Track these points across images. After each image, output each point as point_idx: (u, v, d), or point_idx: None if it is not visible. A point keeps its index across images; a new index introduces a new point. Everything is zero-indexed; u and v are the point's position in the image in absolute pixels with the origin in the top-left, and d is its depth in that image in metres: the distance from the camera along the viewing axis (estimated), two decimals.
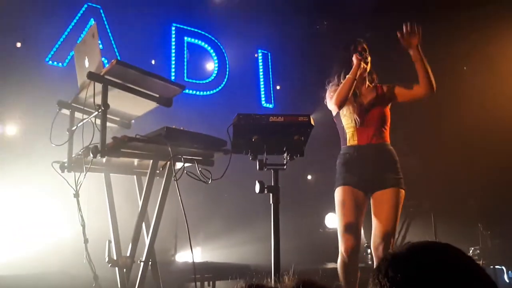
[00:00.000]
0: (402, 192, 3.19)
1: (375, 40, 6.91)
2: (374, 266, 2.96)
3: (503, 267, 5.47)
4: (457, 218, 5.92)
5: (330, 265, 5.14)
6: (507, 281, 5.46)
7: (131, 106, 2.74)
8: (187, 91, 6.21)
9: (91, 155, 2.35)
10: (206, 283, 4.94)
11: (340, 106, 3.23)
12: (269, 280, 2.28)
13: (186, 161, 2.49)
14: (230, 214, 6.11)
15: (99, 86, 2.41)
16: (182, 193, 2.60)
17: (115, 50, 5.55)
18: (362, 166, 3.19)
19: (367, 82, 3.40)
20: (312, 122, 2.49)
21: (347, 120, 3.29)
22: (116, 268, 2.64)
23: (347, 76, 3.22)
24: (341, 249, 3.12)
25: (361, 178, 3.18)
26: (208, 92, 6.48)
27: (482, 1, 5.89)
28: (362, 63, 3.23)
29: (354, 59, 3.26)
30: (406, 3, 6.28)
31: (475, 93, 6.36)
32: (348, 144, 3.27)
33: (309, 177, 7.53)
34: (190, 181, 2.52)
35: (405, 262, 1.01)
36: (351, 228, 3.11)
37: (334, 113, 3.42)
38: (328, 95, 3.39)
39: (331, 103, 3.31)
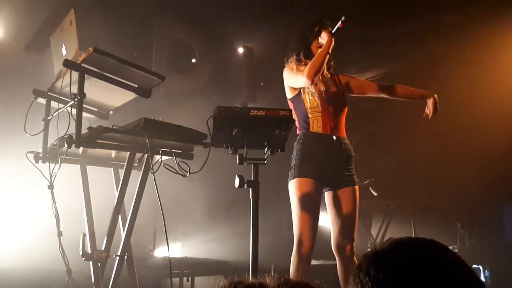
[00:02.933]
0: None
1: (356, 41, 6.95)
2: (338, 266, 2.95)
3: (480, 266, 5.53)
4: (436, 217, 5.97)
5: (311, 262, 5.13)
6: (484, 280, 5.52)
7: (109, 96, 2.68)
8: (167, 83, 6.13)
9: (66, 145, 2.28)
10: (185, 278, 4.89)
11: (313, 79, 2.93)
12: (247, 276, 2.26)
13: (164, 153, 2.44)
14: (211, 209, 6.06)
15: (76, 75, 2.35)
16: (162, 186, 2.55)
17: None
18: (327, 159, 2.97)
19: (325, 70, 3.16)
20: (294, 117, 2.46)
21: (312, 102, 3.03)
22: (91, 262, 2.57)
23: (319, 50, 3.02)
24: (301, 250, 2.85)
25: (323, 171, 2.95)
26: (189, 86, 6.40)
27: (459, 5, 5.93)
28: (333, 39, 3.03)
29: (324, 34, 3.07)
30: (391, 3, 6.30)
31: (454, 94, 6.41)
32: (311, 130, 3.01)
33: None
34: (171, 175, 2.47)
35: (387, 260, 0.97)
36: (314, 227, 2.90)
37: (293, 94, 3.13)
38: (288, 71, 3.13)
39: (301, 77, 2.97)
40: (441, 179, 6.08)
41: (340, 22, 3.02)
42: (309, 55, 3.12)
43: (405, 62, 6.37)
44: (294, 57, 3.17)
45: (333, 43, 3.05)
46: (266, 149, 2.51)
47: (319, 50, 3.04)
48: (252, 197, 2.43)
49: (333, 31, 3.05)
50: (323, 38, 3.08)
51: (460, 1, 5.96)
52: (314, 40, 3.14)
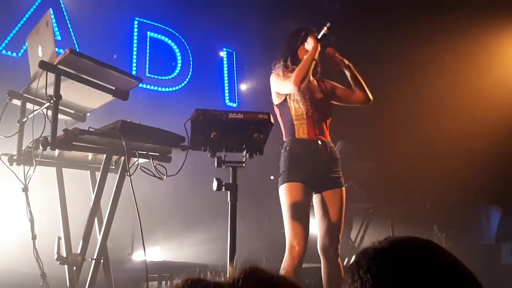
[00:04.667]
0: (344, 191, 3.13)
1: (340, 45, 7.02)
2: (323, 267, 2.97)
3: None
4: (413, 220, 6.04)
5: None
6: None
7: (86, 98, 2.65)
8: (148, 86, 6.09)
9: (41, 147, 2.25)
10: (163, 282, 4.85)
11: (300, 86, 2.98)
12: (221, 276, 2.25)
13: (141, 156, 2.42)
14: (191, 213, 6.04)
15: (52, 77, 2.31)
16: (141, 189, 2.53)
17: (75, 43, 5.38)
18: (313, 163, 3.02)
19: (311, 76, 3.19)
20: (272, 120, 2.47)
21: (297, 109, 3.07)
22: (66, 266, 2.54)
23: (305, 57, 3.06)
24: (293, 253, 2.88)
25: (311, 175, 3.00)
26: (170, 89, 6.37)
27: (439, 12, 6.04)
28: (319, 45, 3.09)
29: (310, 40, 3.11)
30: (370, 9, 6.38)
31: (433, 99, 6.52)
32: (297, 137, 3.06)
33: (272, 177, 7.53)
34: (150, 178, 2.46)
35: (388, 257, 0.97)
36: (305, 230, 2.93)
37: (279, 101, 3.16)
38: (275, 78, 3.15)
39: (288, 84, 3.01)
40: (419, 183, 6.16)
41: (325, 28, 3.09)
42: (296, 61, 3.16)
43: (386, 67, 6.44)
44: (281, 63, 3.20)
45: (319, 48, 3.09)
46: (244, 152, 2.52)
47: (305, 56, 3.08)
48: (230, 200, 2.44)
49: (318, 37, 3.10)
50: (309, 43, 3.13)
51: (440, 8, 6.08)
52: (300, 45, 3.18)
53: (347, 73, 3.24)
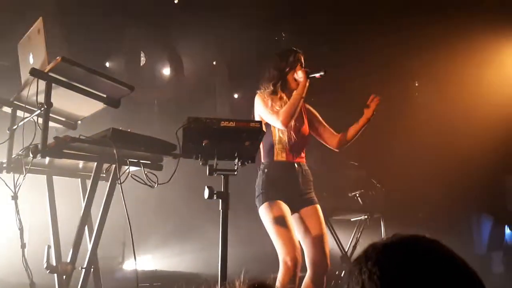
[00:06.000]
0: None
1: (332, 53, 7.06)
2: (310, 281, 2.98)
3: None
4: (406, 229, 6.04)
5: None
6: None
7: (77, 106, 2.64)
8: (141, 95, 6.08)
9: (31, 155, 2.24)
10: None
11: (288, 125, 3.10)
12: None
13: (132, 164, 2.41)
14: (183, 221, 6.01)
15: (43, 84, 2.31)
16: (133, 198, 2.51)
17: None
18: (290, 185, 3.14)
19: None
20: (264, 129, 2.48)
21: (280, 138, 3.16)
22: (55, 275, 2.51)
23: (294, 95, 3.13)
24: (287, 267, 2.90)
25: (288, 195, 3.10)
26: (163, 98, 6.37)
27: (431, 22, 6.09)
28: (307, 82, 3.14)
29: (301, 75, 3.16)
30: (362, 18, 6.42)
31: (425, 108, 6.57)
32: (275, 159, 3.16)
33: None
34: (142, 187, 2.44)
35: (397, 251, 0.98)
36: (294, 242, 2.97)
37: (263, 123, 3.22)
38: (261, 103, 3.19)
39: (276, 120, 3.10)
40: (411, 192, 6.18)
41: (319, 74, 3.13)
42: (285, 88, 3.23)
43: (380, 72, 6.48)
44: (270, 87, 3.23)
45: (307, 85, 3.13)
46: (236, 160, 2.52)
47: (294, 93, 3.13)
48: (221, 209, 2.43)
49: (310, 75, 3.14)
50: (299, 76, 3.17)
51: (432, 12, 6.12)
52: (290, 71, 3.22)
53: (360, 123, 3.31)
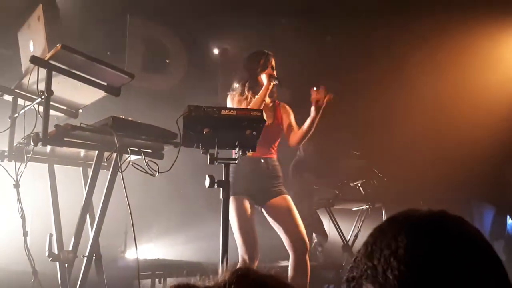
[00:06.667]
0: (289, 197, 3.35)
1: (335, 42, 7.03)
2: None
3: None
4: None
5: (283, 263, 5.15)
6: None
7: (78, 94, 2.63)
8: (141, 83, 6.06)
9: (32, 143, 2.24)
10: (157, 280, 4.84)
11: None
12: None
13: (133, 153, 2.41)
14: (185, 210, 6.02)
15: (43, 72, 2.30)
16: (135, 186, 2.50)
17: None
18: (256, 179, 3.27)
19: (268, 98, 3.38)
20: (265, 117, 2.47)
21: None
22: (57, 263, 2.52)
23: (256, 97, 3.23)
24: (245, 256, 3.13)
25: (253, 189, 3.25)
26: (164, 86, 6.35)
27: (435, 9, 6.05)
28: (272, 83, 3.27)
29: (265, 78, 3.28)
30: (365, 8, 6.38)
31: (428, 98, 6.54)
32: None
33: None
34: (144, 175, 2.44)
35: (430, 229, 0.89)
36: (252, 240, 3.16)
37: None
38: (229, 101, 3.33)
39: None
40: (413, 181, 6.17)
41: (276, 82, 3.29)
42: (254, 87, 3.34)
43: (377, 66, 6.45)
44: (239, 88, 3.37)
45: (271, 87, 3.28)
46: (237, 149, 2.52)
47: (257, 96, 3.25)
48: (222, 197, 2.44)
49: (273, 79, 3.28)
50: (263, 78, 3.30)
51: (433, 6, 6.09)
52: (260, 72, 3.34)
53: (312, 115, 3.28)
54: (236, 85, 3.41)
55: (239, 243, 3.15)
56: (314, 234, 6.12)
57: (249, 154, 3.07)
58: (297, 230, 3.23)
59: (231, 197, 2.99)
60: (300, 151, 6.08)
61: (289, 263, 3.26)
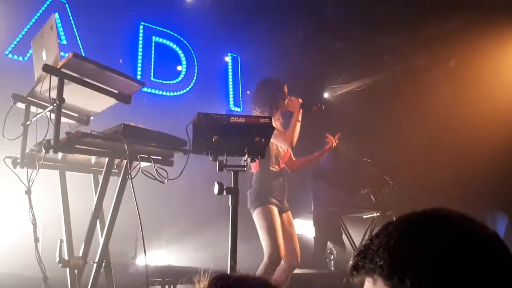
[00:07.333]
0: None
1: (344, 49, 7.03)
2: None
3: None
4: None
5: (296, 271, 5.13)
6: None
7: (90, 102, 2.66)
8: (153, 91, 6.11)
9: (44, 150, 2.26)
10: (167, 286, 4.84)
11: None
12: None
13: (143, 159, 2.43)
14: (196, 216, 6.02)
15: (55, 80, 2.33)
16: (146, 193, 2.51)
17: (80, 47, 5.41)
18: (279, 191, 3.77)
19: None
20: (274, 125, 2.48)
21: (278, 152, 3.78)
22: (67, 269, 2.54)
23: (298, 122, 3.76)
24: (275, 263, 3.53)
25: (280, 201, 3.75)
26: (175, 93, 6.39)
27: (444, 14, 6.03)
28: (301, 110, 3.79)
29: (296, 104, 3.79)
30: (372, 14, 6.38)
31: (438, 103, 6.50)
32: (272, 169, 3.74)
33: None
34: (155, 182, 2.46)
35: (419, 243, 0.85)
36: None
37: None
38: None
39: (284, 142, 3.75)
40: (424, 188, 6.13)
41: (315, 106, 3.89)
42: (278, 109, 3.87)
43: (388, 73, 6.44)
44: (272, 110, 3.81)
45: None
46: (246, 156, 2.52)
47: (296, 122, 3.76)
48: (231, 204, 2.44)
49: (304, 105, 3.81)
50: (293, 107, 3.81)
51: (443, 14, 6.07)
52: (284, 99, 3.85)
53: (297, 116, 3.79)
54: (263, 107, 3.83)
55: (271, 246, 3.52)
56: (328, 243, 6.11)
57: (274, 169, 3.74)
58: (295, 247, 3.74)
59: (270, 206, 3.63)
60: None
61: (279, 270, 3.63)
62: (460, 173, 5.96)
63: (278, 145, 3.78)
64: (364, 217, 6.21)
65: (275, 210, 3.64)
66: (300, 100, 3.83)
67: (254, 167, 3.73)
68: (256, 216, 3.62)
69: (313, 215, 6.42)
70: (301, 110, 3.79)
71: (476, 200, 6.16)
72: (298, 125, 3.76)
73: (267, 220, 3.57)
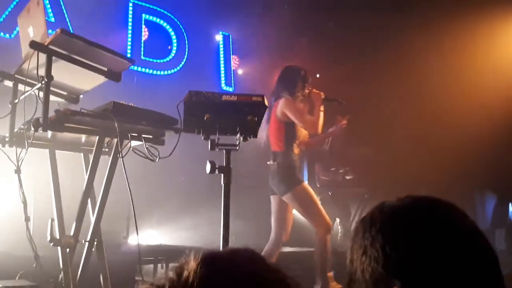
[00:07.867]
0: None
1: (337, 31, 6.97)
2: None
3: None
4: None
5: (286, 249, 5.16)
6: None
7: (79, 80, 2.62)
8: (143, 69, 6.04)
9: (32, 129, 2.23)
10: (159, 265, 4.87)
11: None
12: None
13: (133, 138, 2.40)
14: (187, 196, 6.02)
15: (43, 57, 2.28)
16: (137, 172, 2.49)
17: (69, 25, 5.31)
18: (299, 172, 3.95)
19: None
20: (266, 103, 2.45)
21: (303, 134, 3.89)
22: (59, 248, 2.53)
23: (321, 111, 3.87)
24: (329, 228, 3.75)
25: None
26: (165, 72, 6.32)
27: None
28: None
29: (318, 96, 3.89)
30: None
31: (431, 86, 6.50)
32: (295, 152, 3.83)
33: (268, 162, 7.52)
34: (146, 161, 2.44)
35: (407, 219, 0.90)
36: None
37: (289, 120, 3.78)
38: (293, 109, 3.77)
39: (311, 128, 3.84)
40: (415, 168, 6.17)
41: (338, 101, 3.96)
42: (299, 91, 3.93)
43: (384, 53, 6.41)
44: (299, 96, 3.90)
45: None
46: (238, 135, 2.50)
47: (320, 112, 3.87)
48: (223, 183, 2.43)
49: (325, 99, 3.91)
50: (316, 96, 3.89)
51: None
52: (304, 84, 3.92)
53: (319, 107, 3.90)
54: (292, 92, 3.87)
55: (324, 219, 3.72)
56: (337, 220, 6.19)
57: (297, 152, 3.82)
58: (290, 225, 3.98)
59: (304, 183, 3.82)
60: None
61: (271, 247, 3.84)
62: (449, 153, 6.00)
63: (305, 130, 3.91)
64: (354, 196, 6.27)
65: (308, 187, 3.85)
66: (323, 95, 3.93)
67: (277, 146, 3.84)
68: (298, 195, 3.73)
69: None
70: (322, 105, 3.90)
71: (465, 179, 6.22)
72: (322, 114, 3.89)
73: (310, 195, 3.77)
